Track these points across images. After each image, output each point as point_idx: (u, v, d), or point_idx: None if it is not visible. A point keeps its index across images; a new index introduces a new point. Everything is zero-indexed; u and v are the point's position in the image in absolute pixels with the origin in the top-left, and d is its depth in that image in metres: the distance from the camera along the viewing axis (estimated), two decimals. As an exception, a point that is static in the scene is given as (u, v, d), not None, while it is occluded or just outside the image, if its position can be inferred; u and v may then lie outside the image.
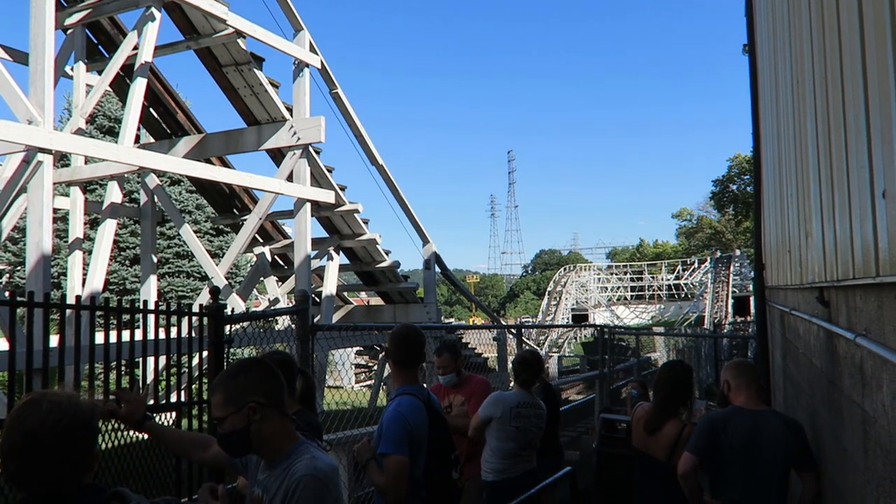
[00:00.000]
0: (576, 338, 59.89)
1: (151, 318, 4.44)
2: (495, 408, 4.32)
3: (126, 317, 4.33)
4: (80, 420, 1.61)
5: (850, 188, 2.37)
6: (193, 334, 4.67)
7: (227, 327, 3.81)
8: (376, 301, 18.54)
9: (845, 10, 2.38)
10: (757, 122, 7.69)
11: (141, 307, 4.43)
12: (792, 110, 4.31)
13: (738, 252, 64.57)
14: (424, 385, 3.49)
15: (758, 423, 3.42)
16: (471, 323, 40.11)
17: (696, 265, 74.35)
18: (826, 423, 3.45)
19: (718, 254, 66.34)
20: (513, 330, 9.71)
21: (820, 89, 3.02)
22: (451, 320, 79.96)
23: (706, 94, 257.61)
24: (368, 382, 21.88)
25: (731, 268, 59.72)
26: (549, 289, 75.18)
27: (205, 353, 3.87)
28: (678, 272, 77.43)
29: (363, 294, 35.37)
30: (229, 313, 3.81)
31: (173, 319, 4.78)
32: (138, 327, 4.39)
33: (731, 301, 55.48)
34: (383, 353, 3.44)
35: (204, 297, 11.45)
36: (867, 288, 2.30)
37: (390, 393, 3.35)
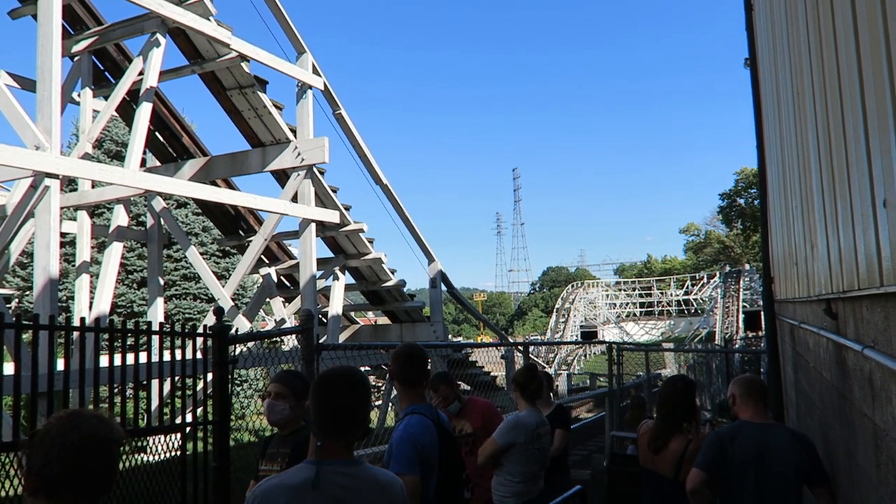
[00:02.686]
0: (585, 355, 59.51)
1: (161, 341, 4.45)
2: (517, 433, 4.24)
3: (131, 340, 4.35)
4: (119, 435, 1.69)
5: (852, 198, 2.37)
6: (199, 356, 4.68)
7: (232, 348, 3.81)
8: (383, 321, 18.50)
9: (841, 23, 2.39)
10: (761, 135, 7.70)
11: (144, 329, 4.44)
12: (794, 123, 4.32)
13: (747, 266, 64.22)
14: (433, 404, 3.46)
15: (766, 436, 3.39)
16: (480, 342, 39.98)
17: (705, 280, 74.02)
18: (838, 437, 3.42)
19: (728, 268, 65.93)
20: (520, 348, 9.66)
21: (819, 101, 3.04)
22: (460, 339, 79.72)
23: (713, 107, 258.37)
24: (377, 403, 21.78)
25: (741, 282, 59.34)
26: (557, 306, 74.94)
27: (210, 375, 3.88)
28: (687, 287, 77.06)
29: (370, 314, 35.35)
30: (234, 334, 3.81)
31: (179, 341, 4.80)
32: (143, 350, 4.40)
33: (741, 316, 55.02)
34: (389, 374, 3.35)
35: (211, 319, 11.47)
36: (873, 298, 2.29)
37: (399, 413, 3.31)
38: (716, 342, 48.44)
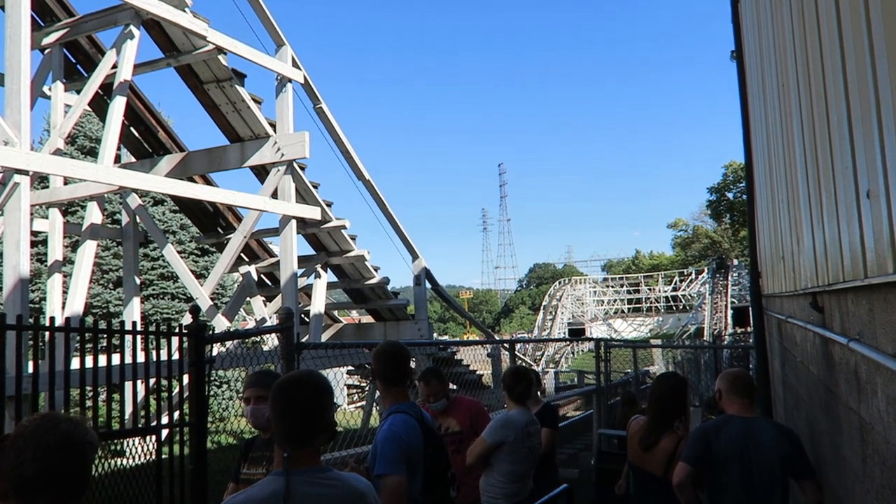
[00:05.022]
0: (573, 353, 59.81)
1: (134, 341, 4.41)
2: (506, 431, 4.25)
3: (104, 340, 4.30)
4: (94, 438, 1.67)
5: (837, 190, 2.40)
6: (176, 356, 4.64)
7: (210, 348, 3.78)
8: (367, 319, 18.48)
9: (825, 16, 2.41)
10: (747, 128, 7.77)
11: (117, 328, 4.40)
12: (779, 114, 4.36)
13: (735, 261, 64.80)
14: (417, 403, 3.46)
15: (750, 429, 3.44)
16: (466, 340, 40.01)
17: (693, 276, 74.66)
18: (825, 431, 3.46)
19: (716, 264, 66.51)
20: (506, 345, 9.69)
21: (804, 93, 3.06)
22: (445, 337, 79.77)
23: (699, 101, 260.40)
24: (362, 403, 21.77)
25: (730, 278, 59.87)
26: (544, 303, 75.24)
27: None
28: (675, 283, 77.70)
29: (354, 312, 35.25)
30: (210, 333, 3.78)
31: (160, 342, 4.75)
32: (118, 351, 4.35)
33: (730, 311, 55.58)
34: (370, 374, 3.32)
35: (189, 319, 11.39)
36: (857, 291, 2.32)
37: (382, 413, 3.30)
38: (704, 338, 48.89)
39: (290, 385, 2.14)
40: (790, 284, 4.51)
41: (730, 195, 67.19)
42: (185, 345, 3.87)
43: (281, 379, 2.21)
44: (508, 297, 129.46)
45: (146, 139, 13.49)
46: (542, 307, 75.26)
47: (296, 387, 2.13)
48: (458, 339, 69.89)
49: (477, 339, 42.71)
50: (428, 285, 15.36)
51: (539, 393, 6.25)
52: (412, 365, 3.35)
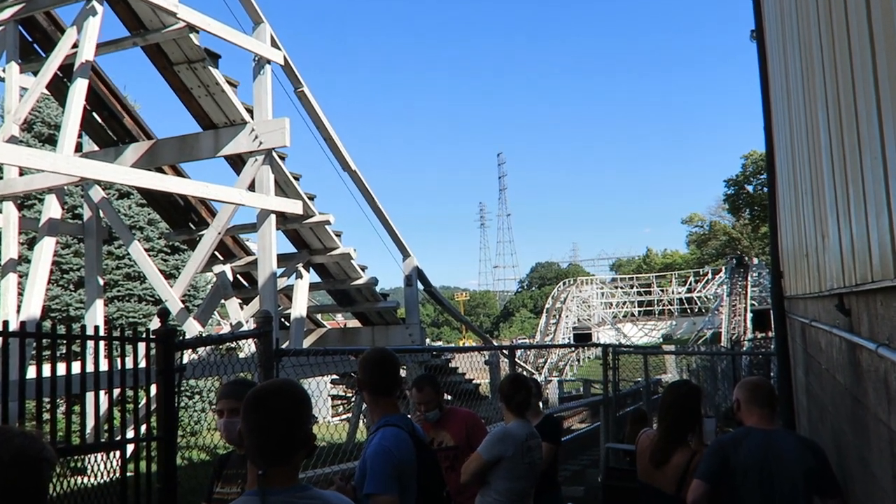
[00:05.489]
0: (578, 360, 59.90)
1: (96, 348, 4.39)
2: (504, 445, 4.25)
3: (64, 347, 4.29)
4: (51, 454, 1.69)
5: (865, 183, 2.41)
6: (142, 364, 4.63)
7: (180, 354, 3.77)
8: (353, 323, 18.46)
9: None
10: (769, 115, 7.79)
11: (78, 333, 4.38)
12: (803, 100, 4.38)
13: (755, 260, 64.97)
14: (408, 416, 3.46)
15: (771, 443, 3.44)
16: (462, 346, 40.03)
17: (709, 276, 74.90)
18: (851, 444, 3.48)
19: (734, 263, 66.64)
20: (505, 352, 9.70)
21: (830, 77, 3.07)
22: (439, 343, 79.83)
23: (716, 87, 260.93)
24: (348, 416, 21.77)
25: (749, 278, 60.02)
26: (547, 306, 75.37)
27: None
28: (690, 284, 77.96)
29: (339, 316, 35.28)
30: (181, 339, 3.76)
31: (126, 349, 4.73)
32: (78, 359, 4.34)
33: (749, 315, 55.69)
34: (356, 384, 3.33)
35: (157, 324, 11.36)
36: (888, 292, 2.32)
37: (370, 427, 3.31)
38: (721, 344, 49.04)
39: (263, 395, 2.12)
40: (814, 285, 4.52)
41: (749, 188, 67.39)
42: (153, 352, 3.86)
43: (253, 389, 2.18)
44: (508, 300, 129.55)
45: (110, 126, 13.43)
46: (544, 310, 75.34)
47: (270, 397, 2.11)
48: (452, 345, 69.98)
49: (473, 345, 42.75)
50: (420, 286, 15.36)
51: (540, 404, 6.26)
52: (402, 374, 3.36)
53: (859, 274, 2.69)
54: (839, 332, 3.39)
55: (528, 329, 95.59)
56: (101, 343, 4.57)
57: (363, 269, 14.90)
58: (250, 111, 12.29)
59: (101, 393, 4.41)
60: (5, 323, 4.15)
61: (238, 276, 15.45)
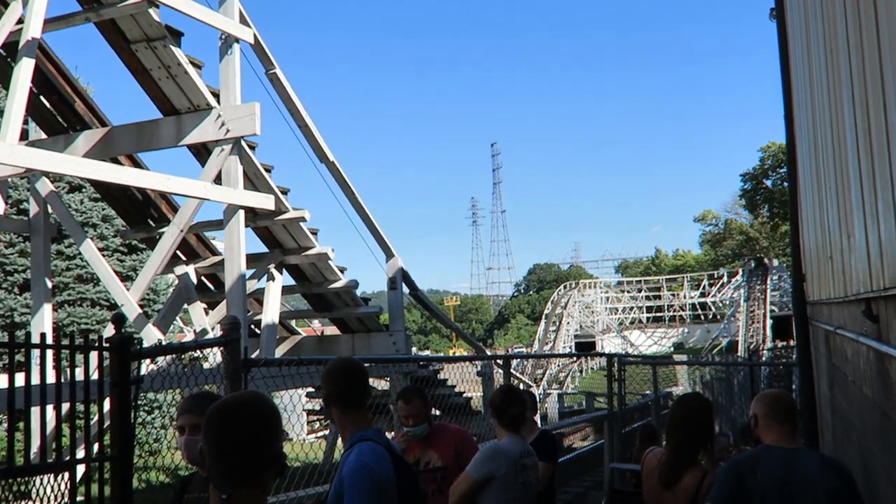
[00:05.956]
0: (580, 371, 60.08)
1: (43, 358, 4.36)
2: (495, 463, 4.26)
3: (6, 356, 4.24)
4: None
5: (894, 177, 2.42)
6: (95, 375, 4.60)
7: (137, 365, 3.76)
8: (331, 330, 18.44)
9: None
10: (790, 103, 7.84)
11: (21, 342, 4.34)
12: (827, 85, 4.40)
13: (775, 262, 65.41)
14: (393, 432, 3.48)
15: (792, 462, 3.45)
16: (452, 355, 40.04)
17: (725, 279, 75.31)
18: (880, 463, 3.50)
19: (752, 265, 67.01)
20: (499, 362, 9.71)
21: (856, 59, 3.09)
22: (427, 353, 79.85)
23: (731, 73, 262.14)
24: (324, 433, 21.72)
25: (769, 281, 60.44)
26: (546, 311, 75.62)
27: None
28: (704, 288, 78.37)
29: (315, 322, 35.21)
30: (138, 347, 3.75)
31: (76, 358, 4.70)
32: (23, 370, 4.31)
33: (769, 322, 56.08)
34: (322, 399, 3.38)
35: (111, 331, 11.31)
36: (918, 297, 2.34)
37: (344, 443, 3.33)
38: (738, 354, 49.34)
39: (226, 409, 2.10)
40: (839, 289, 4.55)
41: (768, 182, 67.84)
42: (107, 362, 3.84)
43: (216, 403, 2.16)
44: (503, 304, 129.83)
45: (60, 111, 13.35)
46: (543, 316, 75.57)
47: (234, 411, 2.09)
48: (441, 354, 69.98)
49: (465, 354, 42.78)
50: (405, 290, 15.34)
51: (538, 419, 6.28)
52: (386, 386, 3.38)
53: (888, 277, 2.71)
54: (866, 340, 3.41)
55: (525, 337, 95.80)
56: (49, 352, 4.53)
57: (342, 270, 14.88)
58: (216, 95, 12.23)
59: (49, 408, 4.38)
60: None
61: (203, 278, 15.39)
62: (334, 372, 3.26)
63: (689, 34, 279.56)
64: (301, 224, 13.71)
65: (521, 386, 19.10)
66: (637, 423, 13.99)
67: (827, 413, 6.78)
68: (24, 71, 9.88)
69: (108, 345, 3.66)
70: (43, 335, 4.66)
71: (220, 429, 2.06)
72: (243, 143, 12.21)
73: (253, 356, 6.77)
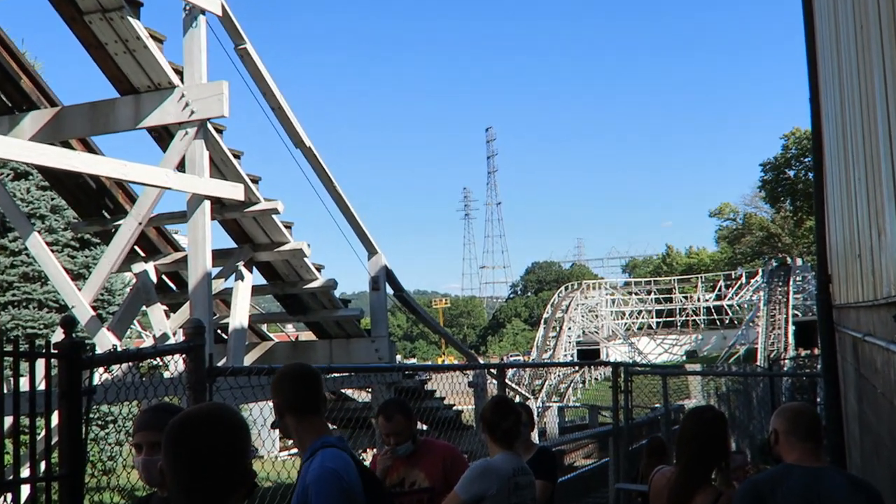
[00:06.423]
0: (583, 382, 60.25)
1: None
2: (485, 481, 4.27)
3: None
4: None
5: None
6: (41, 385, 4.58)
7: (89, 374, 3.75)
8: (307, 336, 18.42)
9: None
10: (815, 83, 7.86)
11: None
12: (856, 64, 4.41)
13: (799, 261, 65.77)
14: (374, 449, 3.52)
15: (816, 483, 3.46)
16: (440, 364, 40.04)
17: (743, 280, 75.64)
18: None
19: (773, 264, 67.38)
20: (493, 371, 9.73)
21: (888, 33, 3.09)
22: (413, 361, 79.92)
23: (755, 49, 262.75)
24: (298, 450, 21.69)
25: (791, 283, 60.77)
26: (545, 315, 75.81)
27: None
28: (720, 290, 78.68)
29: (289, 327, 35.15)
30: (90, 354, 3.74)
31: (21, 366, 4.66)
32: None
33: (791, 328, 56.43)
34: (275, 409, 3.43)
35: (60, 335, 11.28)
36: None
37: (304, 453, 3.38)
38: (757, 363, 49.58)
39: (187, 423, 2.10)
40: (868, 292, 4.57)
41: (791, 173, 68.12)
42: (56, 370, 3.82)
43: (176, 416, 2.15)
44: (498, 307, 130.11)
45: (4, 90, 13.28)
46: (542, 321, 75.75)
47: (196, 425, 2.09)
48: (429, 362, 70.01)
49: (455, 363, 42.77)
50: (390, 291, 15.33)
51: (535, 434, 6.29)
52: (367, 398, 3.42)
53: (922, 277, 2.72)
54: (898, 348, 3.43)
55: (522, 344, 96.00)
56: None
57: (319, 268, 14.85)
58: (179, 73, 12.19)
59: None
60: None
61: (164, 276, 15.35)
62: (288, 377, 3.33)
63: (702, 16, 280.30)
64: (273, 217, 13.67)
65: (517, 398, 19.14)
66: (645, 440, 14.02)
67: (855, 429, 6.81)
68: (-37, 44, 9.82)
69: (56, 351, 3.64)
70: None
71: (180, 445, 2.05)
72: (209, 126, 12.17)
73: (219, 364, 6.76)
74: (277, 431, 3.45)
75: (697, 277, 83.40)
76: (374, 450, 5.20)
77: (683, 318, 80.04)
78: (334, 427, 16.05)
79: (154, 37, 12.12)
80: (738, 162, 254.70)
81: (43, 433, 7.61)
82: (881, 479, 4.57)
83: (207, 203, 11.84)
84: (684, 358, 72.39)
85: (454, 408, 15.69)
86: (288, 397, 3.27)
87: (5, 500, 4.42)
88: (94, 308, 12.46)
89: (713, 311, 78.33)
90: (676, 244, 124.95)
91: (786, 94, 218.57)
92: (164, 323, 14.30)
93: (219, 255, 13.43)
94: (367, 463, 4.25)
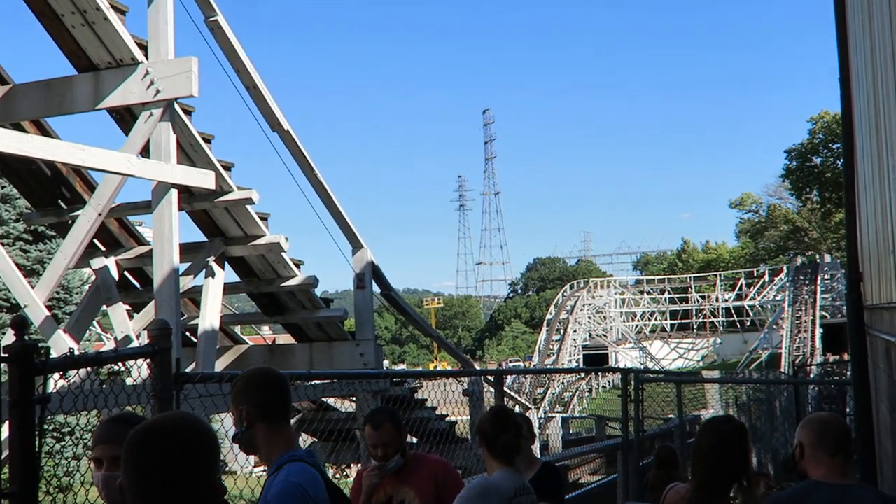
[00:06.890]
0: (590, 390, 60.37)
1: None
2: (485, 501, 4.30)
3: None
4: None
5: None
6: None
7: (42, 380, 3.74)
8: (285, 338, 18.43)
9: None
10: (846, 62, 7.87)
11: None
12: (891, 39, 4.42)
13: (827, 258, 65.94)
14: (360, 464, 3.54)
15: (844, 501, 3.48)
16: (432, 370, 40.04)
17: (766, 279, 75.85)
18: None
19: (799, 261, 67.60)
20: (490, 378, 9.75)
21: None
22: (403, 367, 79.96)
23: (773, 34, 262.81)
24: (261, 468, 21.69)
25: (819, 281, 60.92)
26: (548, 316, 75.90)
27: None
28: (740, 289, 78.88)
29: (265, 329, 35.19)
30: (44, 358, 3.73)
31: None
32: None
33: (818, 331, 56.59)
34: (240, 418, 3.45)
35: (11, 338, 11.26)
36: None
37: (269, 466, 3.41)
38: (781, 370, 49.74)
39: (149, 434, 2.11)
40: (903, 291, 4.59)
41: (818, 160, 68.20)
42: (5, 376, 3.82)
43: (137, 427, 2.17)
44: (496, 308, 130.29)
45: (-51, 65, 13.26)
46: (545, 323, 75.85)
47: (159, 438, 2.10)
48: (420, 369, 70.10)
49: (448, 368, 42.79)
50: (376, 289, 15.33)
51: (537, 448, 6.31)
52: (352, 408, 3.44)
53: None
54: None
55: (523, 348, 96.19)
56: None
57: (298, 265, 14.85)
58: (144, 48, 12.17)
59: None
60: None
61: (126, 273, 15.34)
62: (254, 382, 3.36)
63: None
64: (248, 207, 13.67)
65: (517, 408, 19.18)
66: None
67: (887, 442, 6.84)
68: None
69: (6, 355, 3.63)
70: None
71: (142, 459, 2.06)
72: (177, 107, 12.16)
73: (187, 370, 6.76)
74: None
75: (716, 275, 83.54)
76: (359, 465, 5.21)
77: (700, 319, 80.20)
78: (315, 440, 16.12)
79: (115, 7, 12.09)
80: (761, 149, 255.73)
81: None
82: (916, 496, 4.59)
83: (174, 192, 11.82)
84: (701, 364, 72.54)
85: (447, 419, 15.72)
86: (257, 403, 3.29)
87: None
88: (49, 308, 12.45)
89: (733, 312, 78.50)
90: (693, 238, 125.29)
91: (812, 75, 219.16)
92: (126, 324, 14.27)
93: (187, 250, 13.43)
94: (350, 479, 4.28)
